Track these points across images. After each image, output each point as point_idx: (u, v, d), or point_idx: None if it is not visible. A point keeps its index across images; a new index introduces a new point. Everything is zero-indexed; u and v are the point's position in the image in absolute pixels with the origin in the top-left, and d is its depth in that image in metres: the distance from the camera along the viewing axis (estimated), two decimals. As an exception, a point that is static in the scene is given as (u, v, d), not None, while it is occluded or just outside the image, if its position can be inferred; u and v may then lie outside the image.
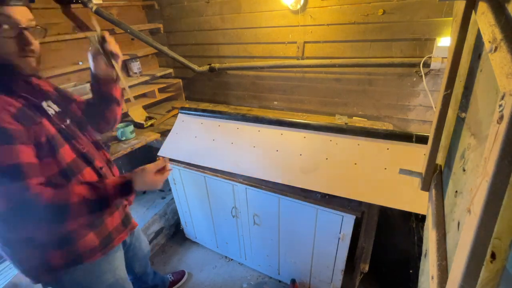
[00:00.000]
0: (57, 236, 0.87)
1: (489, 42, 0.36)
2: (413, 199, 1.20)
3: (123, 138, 1.87)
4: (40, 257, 0.87)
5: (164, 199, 2.29)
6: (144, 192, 2.39)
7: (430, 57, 1.52)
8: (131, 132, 1.90)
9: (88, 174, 0.93)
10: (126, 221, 1.13)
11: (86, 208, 0.82)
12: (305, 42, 1.88)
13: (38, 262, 0.88)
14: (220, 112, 1.86)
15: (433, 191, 0.73)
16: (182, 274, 1.94)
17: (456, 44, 0.62)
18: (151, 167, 0.96)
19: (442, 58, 1.48)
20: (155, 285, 1.67)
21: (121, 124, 1.90)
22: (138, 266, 1.44)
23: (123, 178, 0.92)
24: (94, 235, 0.96)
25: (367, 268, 1.51)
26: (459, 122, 0.66)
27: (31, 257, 0.87)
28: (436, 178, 0.76)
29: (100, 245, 0.98)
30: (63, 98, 1.01)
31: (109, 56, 0.98)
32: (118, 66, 1.02)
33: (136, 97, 2.30)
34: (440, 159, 0.79)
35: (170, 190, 2.12)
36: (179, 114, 1.99)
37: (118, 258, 1.10)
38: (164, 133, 1.97)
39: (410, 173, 0.83)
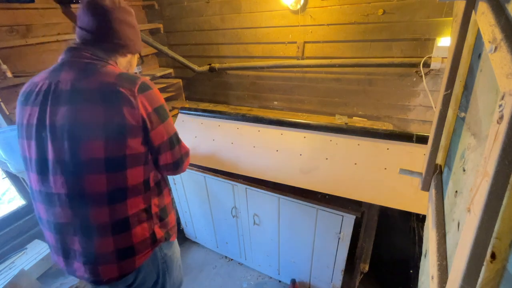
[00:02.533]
0: (162, 208, 1.02)
1: (489, 42, 0.36)
2: (413, 199, 1.20)
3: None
4: (149, 229, 0.96)
5: (164, 199, 2.29)
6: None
7: (430, 57, 1.52)
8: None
9: None
10: None
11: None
12: (305, 42, 1.88)
13: (148, 235, 0.96)
14: (220, 112, 1.86)
15: (433, 191, 0.73)
16: None
17: (456, 44, 0.62)
18: None
19: (442, 58, 1.48)
20: None
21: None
22: None
23: None
24: (173, 215, 1.12)
25: (367, 268, 1.51)
26: (459, 122, 0.66)
27: (144, 230, 0.95)
28: (436, 178, 0.76)
29: (174, 227, 1.12)
30: None
31: None
32: None
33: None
34: (440, 159, 0.79)
35: (170, 190, 2.12)
36: (179, 114, 1.99)
37: None
38: (164, 133, 1.96)
39: (410, 173, 0.83)
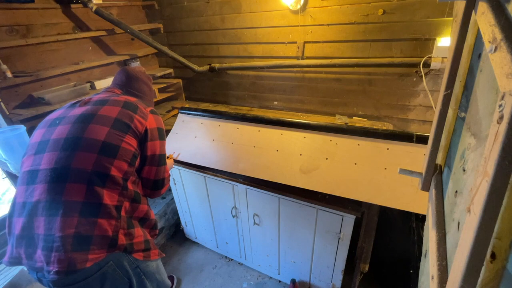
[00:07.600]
0: (129, 216, 1.04)
1: (489, 42, 0.36)
2: (413, 199, 1.20)
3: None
4: (114, 230, 0.97)
5: (164, 199, 2.29)
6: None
7: (430, 57, 1.52)
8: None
9: None
10: None
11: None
12: (305, 42, 1.88)
13: (110, 234, 0.96)
14: (220, 112, 1.86)
15: (433, 191, 0.73)
16: (171, 279, 1.91)
17: (456, 44, 0.62)
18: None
19: (442, 58, 1.48)
20: None
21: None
22: None
23: None
24: (141, 231, 1.10)
25: (367, 268, 1.51)
26: (459, 122, 0.66)
27: (109, 227, 0.96)
28: (436, 178, 0.76)
29: (141, 244, 1.09)
30: None
31: None
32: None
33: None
34: (440, 159, 0.79)
35: (170, 190, 2.12)
36: (179, 114, 1.99)
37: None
38: (164, 133, 1.97)
39: (410, 173, 0.83)
